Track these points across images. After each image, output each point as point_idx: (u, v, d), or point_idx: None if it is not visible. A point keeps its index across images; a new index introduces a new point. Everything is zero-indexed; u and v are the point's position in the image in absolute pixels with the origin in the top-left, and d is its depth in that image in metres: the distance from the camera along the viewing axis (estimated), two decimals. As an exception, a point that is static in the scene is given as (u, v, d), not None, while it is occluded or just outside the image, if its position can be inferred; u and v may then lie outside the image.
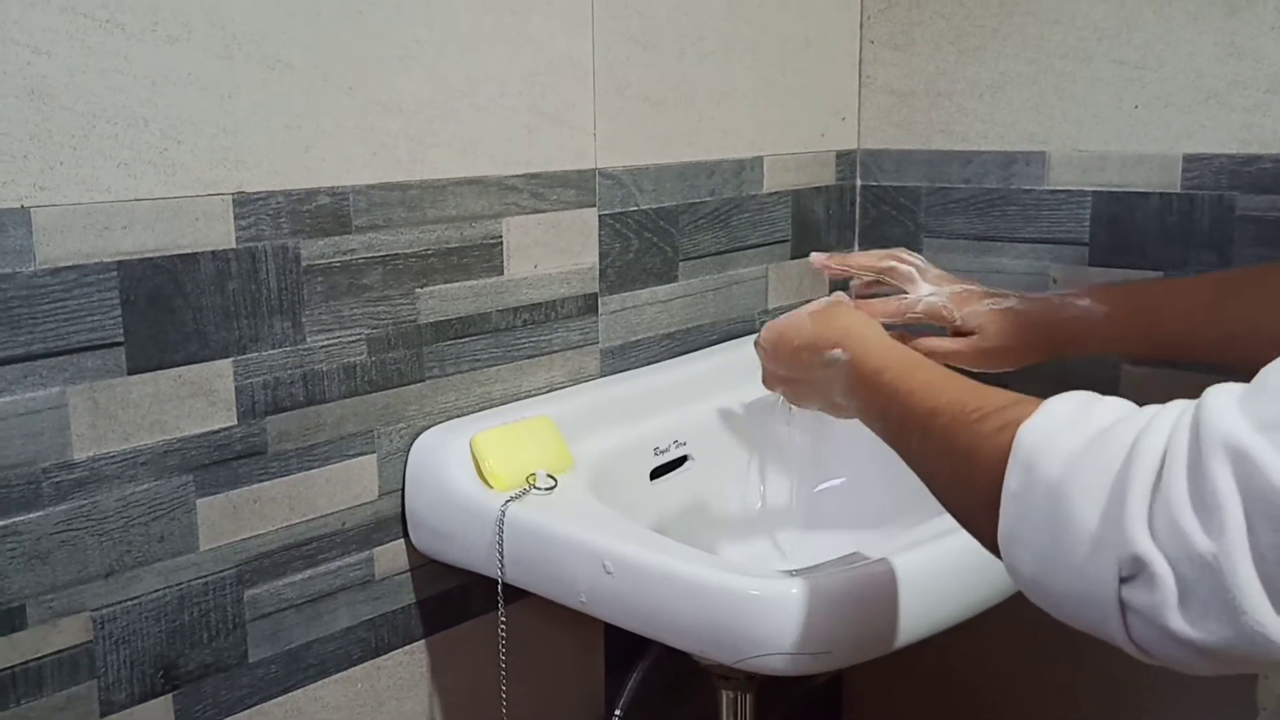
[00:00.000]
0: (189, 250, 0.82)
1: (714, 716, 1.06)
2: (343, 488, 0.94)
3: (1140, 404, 0.52)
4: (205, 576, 0.86)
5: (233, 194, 0.84)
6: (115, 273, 0.78)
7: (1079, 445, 0.50)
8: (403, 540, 0.99)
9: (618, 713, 1.15)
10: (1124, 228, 1.22)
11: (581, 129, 1.07)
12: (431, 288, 0.97)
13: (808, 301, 1.25)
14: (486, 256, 1.01)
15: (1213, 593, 0.44)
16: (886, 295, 1.02)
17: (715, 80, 1.20)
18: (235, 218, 0.84)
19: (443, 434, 0.97)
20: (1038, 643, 1.32)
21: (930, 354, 0.90)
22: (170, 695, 0.85)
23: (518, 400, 1.06)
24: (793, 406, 0.97)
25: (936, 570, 0.83)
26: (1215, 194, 1.16)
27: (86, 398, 0.78)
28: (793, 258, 1.34)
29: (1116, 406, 0.52)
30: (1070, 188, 1.25)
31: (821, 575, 0.80)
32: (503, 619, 0.95)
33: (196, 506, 0.85)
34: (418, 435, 0.98)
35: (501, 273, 1.02)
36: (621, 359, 1.15)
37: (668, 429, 1.10)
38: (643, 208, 1.15)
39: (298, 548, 0.92)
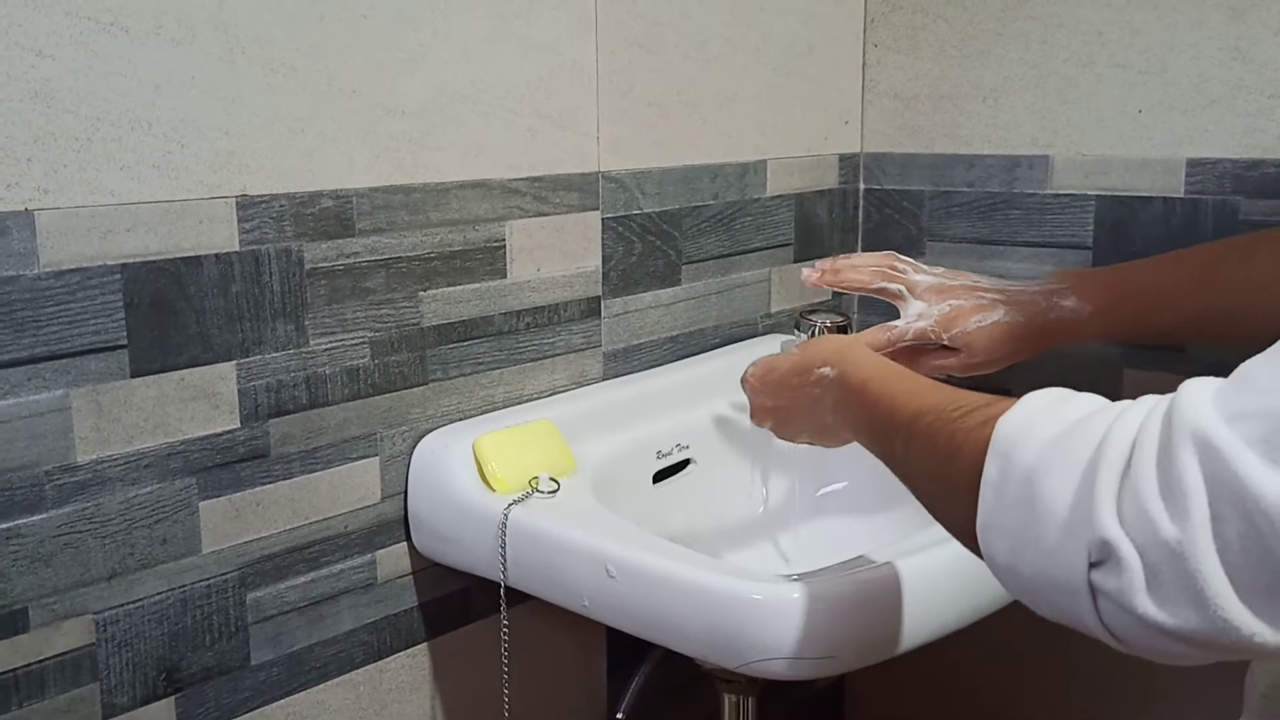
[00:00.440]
0: (192, 253, 0.82)
1: (716, 720, 1.06)
2: (345, 491, 0.94)
3: None
4: (208, 579, 0.86)
5: (236, 197, 0.84)
6: (119, 275, 0.78)
7: (1053, 435, 0.51)
8: (405, 543, 0.99)
9: (619, 716, 1.15)
10: (1127, 232, 1.22)
11: (584, 132, 1.07)
12: (434, 291, 0.97)
13: (812, 309, 1.26)
14: (489, 260, 1.01)
15: (1178, 578, 0.45)
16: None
17: (718, 84, 1.20)
18: (239, 221, 0.84)
19: (445, 437, 0.97)
20: (1039, 647, 1.32)
21: (920, 371, 0.91)
22: (172, 698, 0.85)
23: (520, 403, 1.06)
24: (782, 442, 0.99)
25: (939, 575, 0.83)
26: (1219, 198, 1.15)
27: (90, 400, 0.78)
28: (795, 261, 1.34)
29: (1091, 400, 0.54)
30: (1073, 192, 1.25)
31: (824, 579, 0.80)
32: (505, 622, 0.95)
33: (199, 509, 0.85)
34: (420, 438, 0.98)
35: (504, 276, 1.02)
36: (624, 362, 1.15)
37: (670, 432, 1.10)
38: (645, 211, 1.15)
39: (300, 551, 0.92)
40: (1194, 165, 1.17)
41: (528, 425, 0.99)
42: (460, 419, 1.01)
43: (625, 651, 1.18)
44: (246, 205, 0.84)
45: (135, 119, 0.78)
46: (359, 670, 0.97)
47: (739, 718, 1.05)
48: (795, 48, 1.29)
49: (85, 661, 0.80)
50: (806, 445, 0.97)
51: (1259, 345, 0.47)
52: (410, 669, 1.02)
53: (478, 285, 1.01)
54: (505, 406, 1.04)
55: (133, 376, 0.80)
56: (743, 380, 1.00)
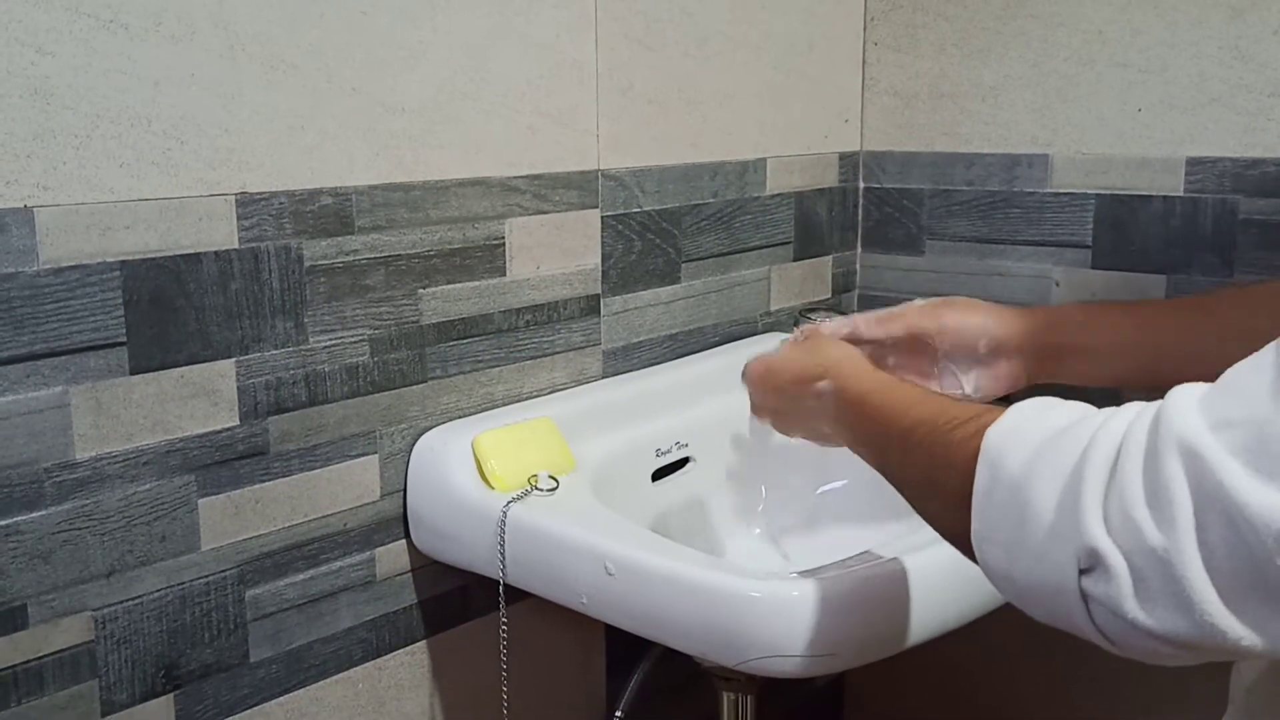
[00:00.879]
0: (192, 250, 0.82)
1: (715, 718, 1.05)
2: (345, 488, 0.94)
3: None
4: (207, 576, 0.86)
5: (236, 194, 0.84)
6: (118, 273, 0.78)
7: (1039, 441, 0.52)
8: (404, 541, 0.99)
9: (619, 714, 1.15)
10: (1127, 231, 1.22)
11: (584, 130, 1.07)
12: (434, 288, 0.97)
13: (811, 307, 1.25)
14: (489, 257, 1.01)
15: (1165, 585, 0.45)
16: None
17: (718, 82, 1.20)
18: (238, 218, 0.84)
19: (445, 435, 0.97)
20: (1037, 645, 1.32)
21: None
22: (171, 695, 0.85)
23: (520, 401, 1.06)
24: (781, 436, 0.98)
25: (938, 573, 0.83)
26: (1218, 197, 1.15)
27: (89, 397, 0.78)
28: (795, 260, 1.34)
29: (1078, 408, 0.54)
30: (1073, 190, 1.25)
31: (824, 577, 0.80)
32: (504, 620, 0.95)
33: (198, 506, 0.85)
34: (420, 436, 0.98)
35: (504, 274, 1.02)
36: (624, 360, 1.15)
37: (670, 430, 1.10)
38: (645, 209, 1.15)
39: (299, 548, 0.92)
40: (1194, 164, 1.17)
41: (527, 423, 0.99)
42: (459, 417, 1.01)
43: (624, 649, 1.18)
44: (246, 202, 0.84)
45: (135, 116, 0.78)
46: (358, 668, 0.97)
47: (738, 716, 1.05)
48: (795, 46, 1.29)
49: (84, 658, 0.80)
50: (805, 441, 0.96)
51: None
52: (409, 666, 1.02)
53: (477, 283, 1.01)
54: (504, 404, 1.04)
55: (132, 374, 0.80)
56: (744, 374, 0.99)
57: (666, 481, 1.10)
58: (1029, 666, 1.36)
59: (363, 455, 0.95)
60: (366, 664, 0.98)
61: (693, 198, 1.20)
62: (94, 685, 0.81)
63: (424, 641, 1.02)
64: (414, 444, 0.98)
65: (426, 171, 0.95)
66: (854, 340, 0.94)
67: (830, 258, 1.39)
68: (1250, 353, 0.46)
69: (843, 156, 1.38)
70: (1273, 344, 0.45)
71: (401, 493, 0.98)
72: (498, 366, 1.04)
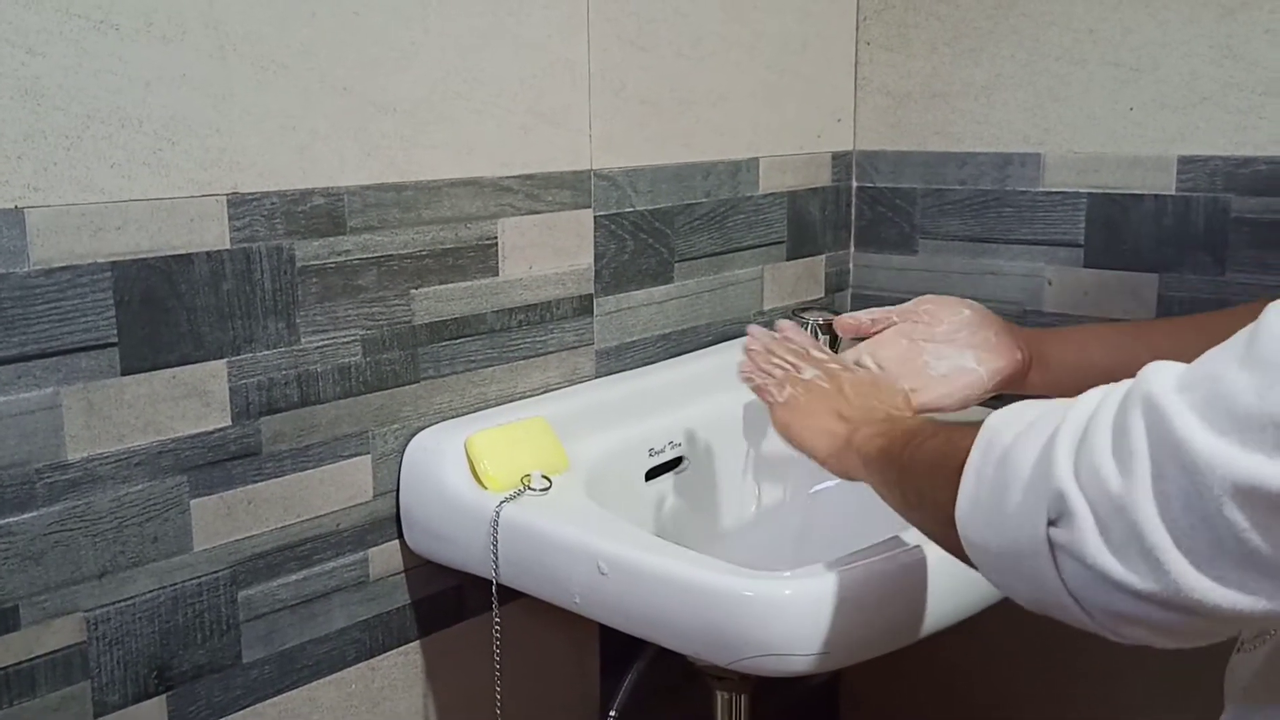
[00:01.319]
0: (183, 251, 0.82)
1: (709, 717, 1.06)
2: (337, 488, 0.94)
3: None
4: (199, 577, 0.86)
5: (227, 195, 0.84)
6: (109, 273, 0.78)
7: (1035, 416, 0.54)
8: (397, 541, 0.99)
9: (612, 713, 1.15)
10: (1119, 229, 1.22)
11: (577, 130, 1.07)
12: (426, 289, 0.97)
13: (804, 306, 1.24)
14: (481, 257, 1.01)
15: (1126, 532, 0.46)
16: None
17: (711, 82, 1.20)
18: (229, 218, 0.84)
19: (438, 435, 0.97)
20: (1032, 644, 1.32)
21: None
22: (164, 696, 0.85)
23: (513, 401, 1.06)
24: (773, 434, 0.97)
25: (933, 571, 0.83)
26: (1210, 196, 1.16)
27: (80, 398, 0.78)
28: (788, 259, 1.34)
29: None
30: (1065, 189, 1.25)
31: (815, 576, 0.80)
32: (497, 620, 0.95)
33: (190, 507, 0.85)
34: (413, 436, 0.98)
35: (497, 274, 1.02)
36: (617, 360, 1.15)
37: (663, 430, 1.10)
38: (638, 209, 1.15)
39: (292, 548, 0.92)
40: (1185, 162, 1.17)
41: (520, 423, 0.99)
42: (452, 417, 1.01)
43: (618, 649, 1.18)
44: (237, 203, 0.84)
45: (126, 116, 0.77)
46: (351, 668, 0.97)
47: (732, 716, 1.05)
48: (788, 45, 1.29)
49: (76, 659, 0.80)
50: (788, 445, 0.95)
51: None
52: (402, 667, 1.01)
53: (470, 283, 1.00)
54: (497, 404, 1.04)
55: (123, 374, 0.80)
56: (786, 345, 0.95)
57: (660, 481, 1.10)
58: (1024, 665, 1.36)
59: (355, 455, 0.95)
60: (360, 664, 0.98)
61: (686, 197, 1.20)
62: (86, 686, 0.81)
63: (417, 642, 1.02)
64: (407, 444, 0.98)
65: (419, 171, 0.95)
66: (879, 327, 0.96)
67: (823, 257, 1.39)
68: None
69: (835, 156, 1.38)
70: (1248, 326, 0.46)
71: (394, 493, 0.98)
72: (491, 366, 1.04)
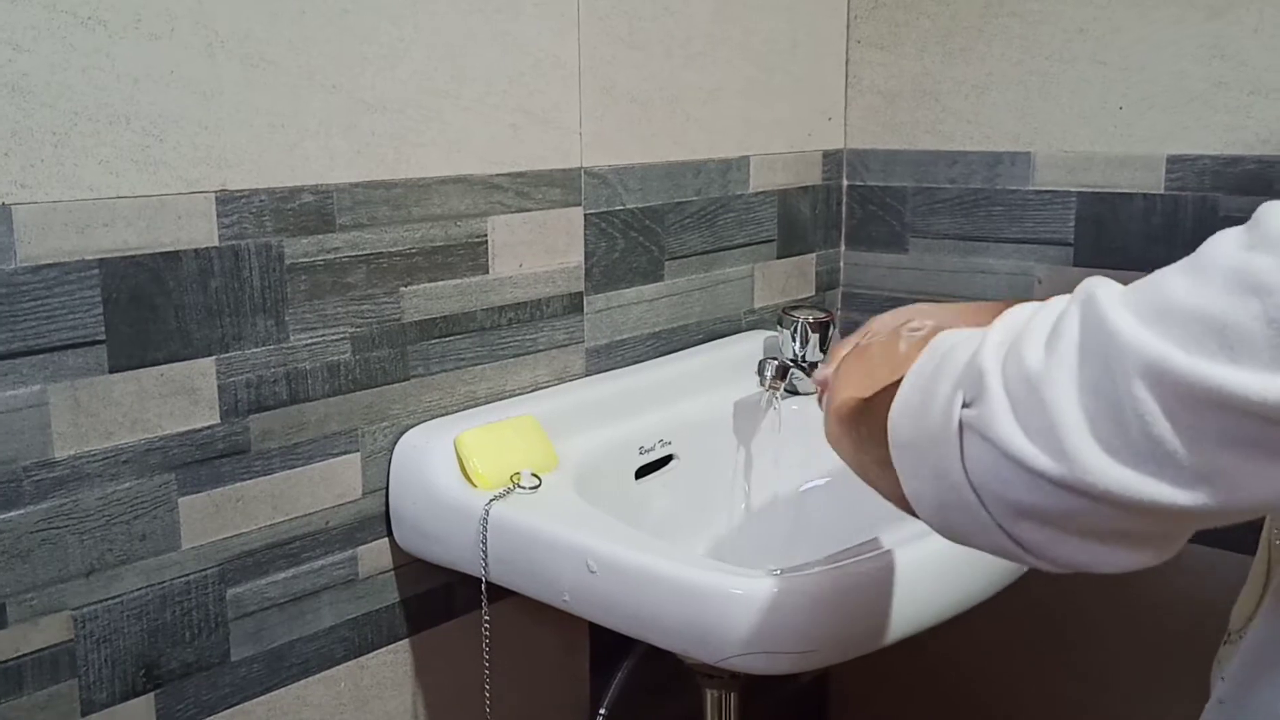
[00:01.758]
0: (171, 248, 0.81)
1: (699, 715, 1.06)
2: (326, 487, 0.94)
3: None
4: (187, 575, 0.86)
5: (215, 192, 0.83)
6: (97, 271, 0.78)
7: (984, 329, 0.53)
8: (386, 539, 0.99)
9: (602, 712, 1.15)
10: (1108, 228, 1.22)
11: (567, 128, 1.07)
12: (416, 286, 0.97)
13: (794, 305, 1.25)
14: (471, 255, 1.01)
15: (1037, 408, 0.46)
16: None
17: (702, 80, 1.20)
18: (218, 216, 0.84)
19: (427, 433, 0.97)
20: (1020, 641, 1.32)
21: None
22: (152, 694, 0.85)
23: (502, 399, 1.05)
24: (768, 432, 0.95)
25: (920, 569, 0.83)
26: (1199, 195, 1.16)
27: (68, 396, 0.78)
28: (779, 258, 1.34)
29: None
30: (1055, 188, 1.26)
31: (804, 574, 0.80)
32: (487, 618, 0.95)
33: (179, 505, 0.85)
34: (402, 434, 0.98)
35: (486, 271, 1.02)
36: (607, 358, 1.15)
37: (653, 428, 1.10)
38: (628, 207, 1.15)
39: (281, 547, 0.91)
40: (1174, 162, 1.17)
41: (510, 421, 0.98)
42: (442, 415, 1.00)
43: (608, 647, 1.18)
44: (226, 200, 0.84)
45: (113, 113, 0.77)
46: (340, 666, 0.97)
47: (721, 714, 1.05)
48: (779, 44, 1.29)
49: (64, 658, 0.80)
50: (794, 436, 0.92)
51: None
52: (391, 665, 1.01)
53: (459, 281, 1.00)
54: (487, 402, 1.04)
55: (111, 372, 0.79)
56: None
57: (650, 479, 1.10)
58: (1012, 661, 1.36)
59: (344, 453, 0.94)
60: (348, 663, 0.98)
61: (676, 196, 1.20)
62: (74, 685, 0.81)
63: (406, 640, 1.02)
64: (396, 442, 0.97)
65: (408, 169, 0.95)
66: None
67: (814, 255, 1.39)
68: None
69: (826, 154, 1.38)
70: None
71: (384, 491, 0.98)
72: (480, 364, 1.03)
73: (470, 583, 0.94)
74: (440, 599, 1.04)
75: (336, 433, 0.93)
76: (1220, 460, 0.43)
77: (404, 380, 0.98)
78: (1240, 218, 0.45)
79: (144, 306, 0.80)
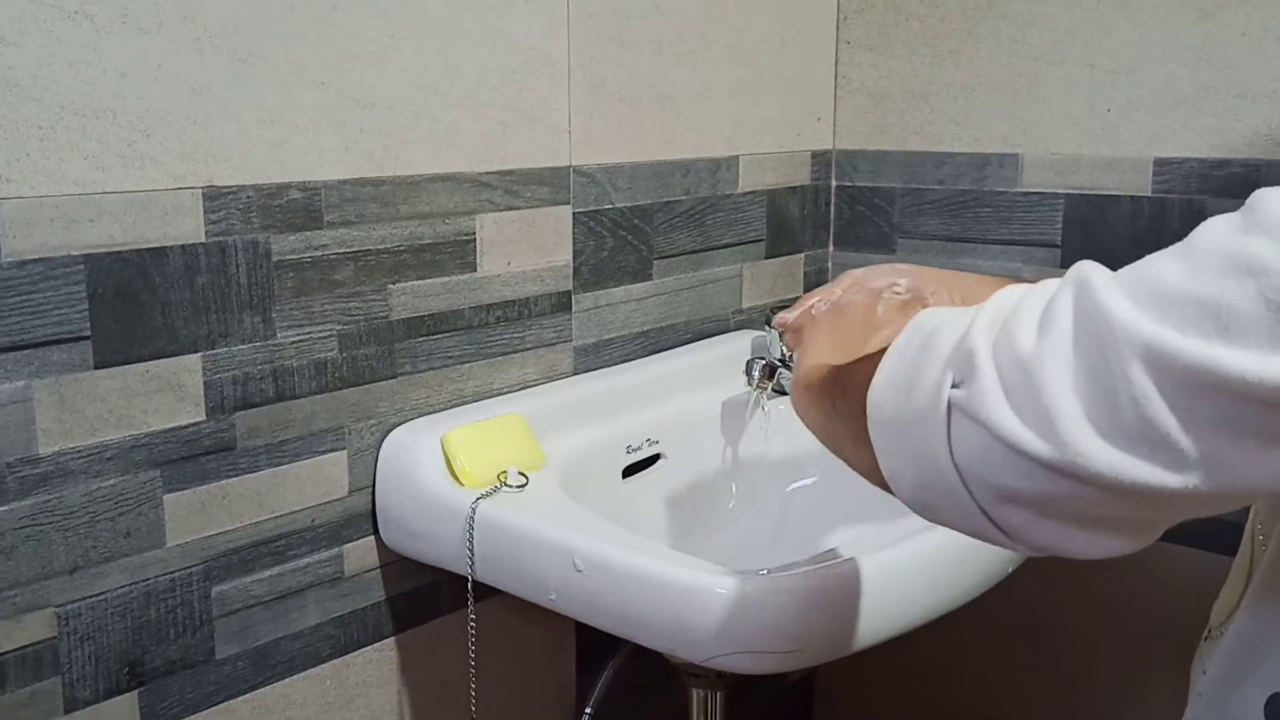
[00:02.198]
0: (158, 244, 0.81)
1: (685, 714, 1.06)
2: (313, 484, 0.93)
3: None
4: (172, 573, 0.86)
5: (203, 188, 0.83)
6: (82, 266, 0.77)
7: (966, 308, 0.53)
8: (373, 537, 0.98)
9: (588, 711, 1.15)
10: (1095, 230, 1.23)
11: (556, 126, 1.07)
12: (404, 284, 0.97)
13: (782, 305, 1.25)
14: (459, 253, 1.01)
15: (1029, 390, 0.46)
16: None
17: (691, 79, 1.20)
18: (205, 212, 0.83)
19: (414, 431, 0.97)
20: (1007, 638, 1.32)
21: None
22: (136, 692, 0.85)
23: (490, 397, 1.05)
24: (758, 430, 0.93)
25: (906, 569, 0.84)
26: (1185, 198, 1.16)
27: (52, 392, 0.77)
28: (767, 257, 1.34)
29: None
30: (1043, 190, 1.26)
31: (791, 574, 0.80)
32: (473, 617, 0.94)
33: (164, 502, 0.84)
34: (389, 432, 0.97)
35: (475, 269, 1.02)
36: (595, 357, 1.15)
37: (640, 427, 1.10)
38: (617, 206, 1.15)
39: (266, 544, 0.91)
40: (1161, 164, 1.18)
41: (497, 419, 0.98)
42: (429, 413, 1.00)
43: (594, 646, 1.18)
44: (213, 196, 0.84)
45: (100, 108, 0.77)
46: (325, 664, 0.97)
47: (707, 713, 1.05)
48: (768, 44, 1.29)
49: (47, 655, 0.79)
50: (781, 436, 0.90)
51: None
52: (377, 663, 1.01)
53: (447, 279, 1.00)
54: (474, 400, 1.04)
55: (96, 368, 0.79)
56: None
57: (637, 478, 1.10)
58: (997, 661, 1.37)
59: (331, 451, 0.94)
60: (334, 660, 0.98)
61: (665, 195, 1.20)
62: (57, 682, 0.80)
63: (392, 638, 1.02)
64: (383, 440, 0.97)
65: (397, 166, 0.94)
66: None
67: (802, 255, 1.39)
68: None
69: (815, 155, 1.38)
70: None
71: (370, 489, 0.97)
72: (468, 362, 1.03)
73: (456, 581, 0.93)
74: (426, 597, 1.04)
75: (323, 430, 0.93)
76: (1213, 443, 0.43)
77: (391, 378, 0.97)
78: (1227, 221, 0.45)
79: (130, 302, 0.80)
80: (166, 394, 0.83)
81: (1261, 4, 1.10)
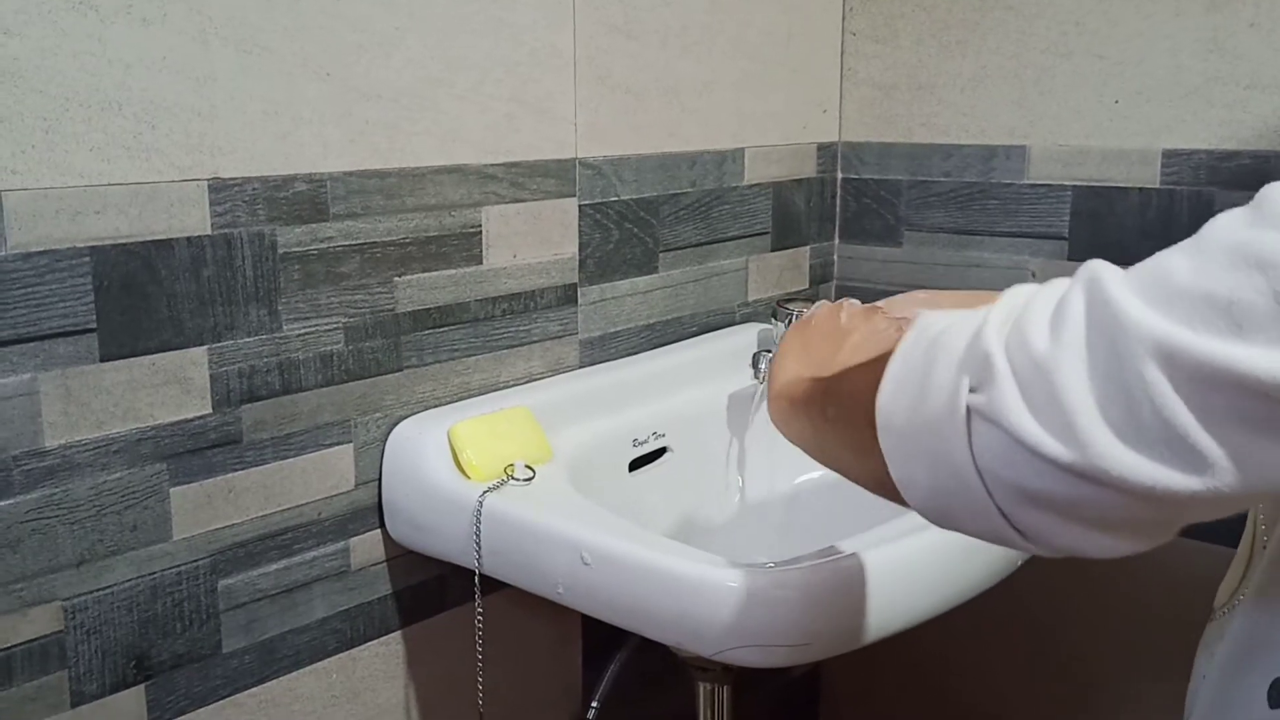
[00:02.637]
0: (163, 236, 0.81)
1: (691, 708, 1.05)
2: (319, 477, 0.93)
3: None
4: (178, 566, 0.85)
5: (208, 180, 0.83)
6: (88, 258, 0.77)
7: (969, 311, 0.52)
8: (379, 531, 0.98)
9: (595, 704, 1.15)
10: (1103, 222, 1.22)
11: (562, 118, 1.07)
12: (410, 276, 0.97)
13: (788, 298, 1.25)
14: (465, 246, 1.00)
15: (1047, 393, 0.45)
16: None
17: (697, 71, 1.20)
18: (210, 204, 0.83)
19: (420, 424, 0.97)
20: (1012, 636, 1.32)
21: None
22: (142, 686, 0.85)
23: (496, 390, 1.05)
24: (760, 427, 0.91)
25: (913, 563, 0.83)
26: (1194, 189, 1.16)
27: (58, 385, 0.77)
28: (773, 250, 1.34)
29: None
30: (1050, 182, 1.25)
31: (799, 568, 0.80)
32: (480, 610, 0.94)
33: (170, 495, 0.84)
34: (395, 425, 0.97)
35: (480, 262, 1.02)
36: (601, 350, 1.15)
37: (647, 421, 1.10)
38: (623, 198, 1.14)
39: (273, 538, 0.91)
40: (1170, 156, 1.17)
41: (503, 412, 0.98)
42: (435, 406, 1.00)
43: (601, 640, 1.18)
44: (219, 188, 0.83)
45: (105, 99, 0.76)
46: (332, 658, 0.97)
47: (714, 706, 1.05)
48: (774, 36, 1.28)
49: (54, 649, 0.79)
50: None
51: None
52: (384, 657, 1.01)
53: (453, 271, 1.00)
54: (481, 393, 1.04)
55: (102, 361, 0.79)
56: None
57: (643, 471, 1.10)
58: (1002, 657, 1.36)
59: (337, 444, 0.94)
60: (340, 654, 0.97)
61: (671, 187, 1.19)
62: (63, 676, 0.80)
63: (399, 632, 1.02)
64: (389, 433, 0.97)
65: (402, 158, 0.94)
66: None
67: (808, 248, 1.39)
68: None
69: (821, 147, 1.38)
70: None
71: (376, 482, 0.97)
72: (474, 355, 1.03)
73: (463, 575, 0.93)
74: (433, 591, 1.04)
75: (329, 423, 0.93)
76: (1231, 442, 0.43)
77: (397, 371, 0.97)
78: (1237, 213, 0.45)
79: (136, 295, 0.80)
80: (172, 387, 0.83)
81: (1271, -6, 1.10)
